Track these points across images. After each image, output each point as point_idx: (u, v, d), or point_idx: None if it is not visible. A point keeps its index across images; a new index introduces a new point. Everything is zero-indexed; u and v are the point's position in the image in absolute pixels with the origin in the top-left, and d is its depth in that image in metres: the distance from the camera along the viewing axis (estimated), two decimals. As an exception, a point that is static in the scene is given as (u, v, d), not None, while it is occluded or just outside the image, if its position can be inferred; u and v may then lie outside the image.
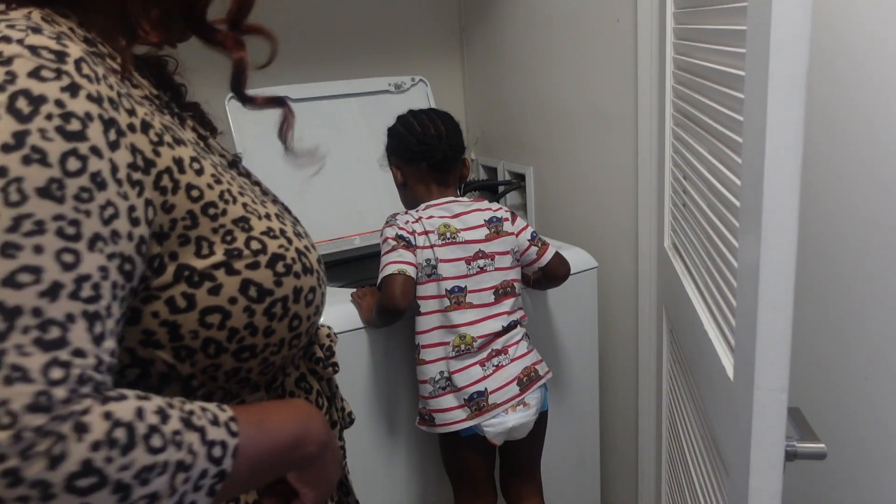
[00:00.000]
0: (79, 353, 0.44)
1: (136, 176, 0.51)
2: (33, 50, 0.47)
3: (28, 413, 0.40)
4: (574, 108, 1.71)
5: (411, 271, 1.28)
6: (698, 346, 1.01)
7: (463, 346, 1.32)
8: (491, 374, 1.32)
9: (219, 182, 0.60)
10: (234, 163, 0.71)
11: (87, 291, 0.45)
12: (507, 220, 1.38)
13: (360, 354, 1.37)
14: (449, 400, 1.32)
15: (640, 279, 1.56)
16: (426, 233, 1.32)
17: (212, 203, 0.58)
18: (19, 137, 0.44)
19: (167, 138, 0.56)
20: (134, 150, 0.52)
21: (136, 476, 0.43)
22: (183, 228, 0.56)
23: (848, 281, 1.13)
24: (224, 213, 0.59)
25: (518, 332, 1.37)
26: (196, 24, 0.62)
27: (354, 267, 1.77)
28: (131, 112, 0.53)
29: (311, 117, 1.76)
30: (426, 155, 1.39)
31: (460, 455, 1.38)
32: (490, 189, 2.00)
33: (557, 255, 1.42)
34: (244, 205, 0.61)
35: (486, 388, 1.31)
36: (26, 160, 0.44)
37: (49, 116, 0.46)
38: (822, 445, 0.79)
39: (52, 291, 0.43)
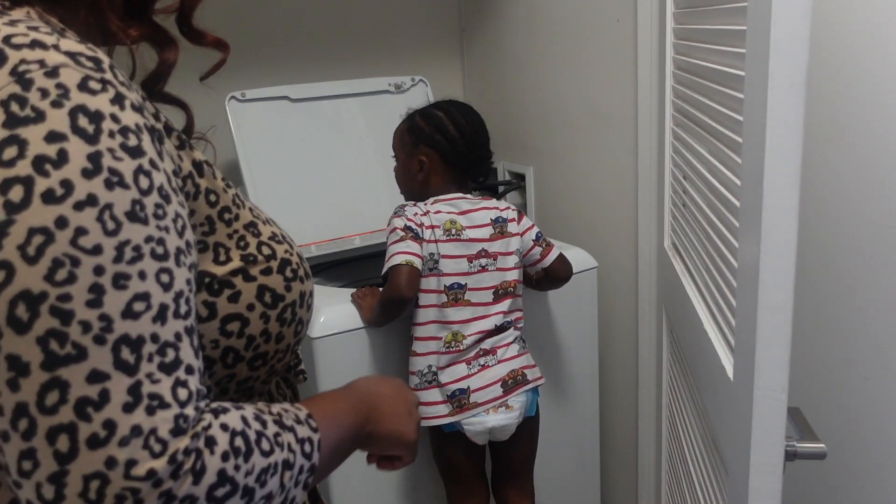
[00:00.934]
0: (189, 369, 0.45)
1: (179, 183, 0.51)
2: (73, 57, 0.44)
3: (174, 438, 0.42)
4: (574, 108, 1.71)
5: (418, 263, 1.27)
6: (698, 346, 1.01)
7: (454, 343, 1.32)
8: (475, 374, 1.32)
9: (229, 186, 0.59)
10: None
11: (183, 307, 0.46)
12: (513, 220, 1.37)
13: (360, 355, 1.37)
14: (433, 394, 1.32)
15: (640, 279, 1.56)
16: (432, 227, 1.32)
17: (226, 208, 0.57)
18: (95, 160, 0.42)
19: (184, 141, 0.55)
20: (171, 155, 0.51)
21: (257, 479, 0.46)
22: (202, 234, 0.55)
23: (848, 281, 1.13)
24: (237, 217, 0.58)
25: (510, 335, 1.37)
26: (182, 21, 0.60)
27: (354, 267, 1.77)
28: (156, 116, 0.52)
29: (311, 117, 1.76)
30: (466, 156, 1.38)
31: (446, 451, 1.39)
32: (490, 189, 2.00)
33: (561, 257, 1.42)
34: (251, 209, 0.61)
35: (468, 387, 1.32)
36: (108, 184, 0.43)
37: (112, 134, 0.44)
38: (822, 445, 0.79)
39: (162, 315, 0.44)
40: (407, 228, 1.30)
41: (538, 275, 1.44)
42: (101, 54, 0.46)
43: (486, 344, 1.34)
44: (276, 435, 0.49)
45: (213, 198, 0.56)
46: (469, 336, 1.32)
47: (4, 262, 0.40)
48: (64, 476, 0.40)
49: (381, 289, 1.39)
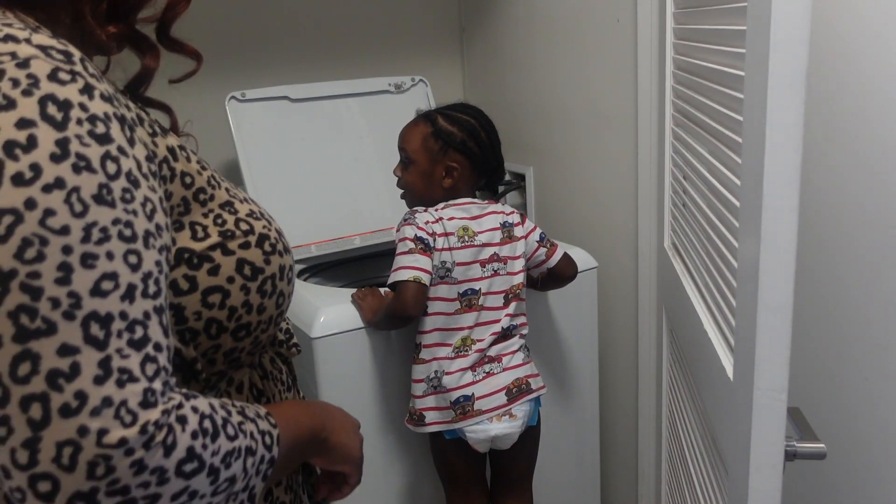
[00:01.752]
0: (158, 346, 0.47)
1: (153, 168, 0.53)
2: (44, 50, 0.46)
3: (143, 409, 0.44)
4: (574, 108, 1.71)
5: (425, 279, 1.25)
6: (698, 346, 1.01)
7: (463, 349, 1.31)
8: (480, 381, 1.31)
9: (205, 168, 0.62)
10: None
11: (152, 287, 0.48)
12: (518, 224, 1.37)
13: (360, 355, 1.37)
14: (437, 400, 1.31)
15: (640, 279, 1.56)
16: (446, 234, 1.30)
17: (202, 189, 0.60)
18: (62, 145, 0.44)
19: (157, 128, 0.58)
20: (143, 143, 0.52)
21: (222, 460, 0.49)
22: (178, 215, 0.58)
23: (848, 281, 1.13)
24: (212, 198, 0.61)
25: (515, 343, 1.36)
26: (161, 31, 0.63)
27: (354, 267, 1.77)
28: (128, 106, 0.54)
29: (311, 117, 1.76)
30: (491, 163, 1.38)
31: (447, 457, 1.38)
32: (490, 189, 2.00)
33: (566, 256, 1.42)
34: (227, 189, 0.64)
35: (472, 394, 1.30)
36: (76, 168, 0.44)
37: (79, 121, 0.46)
38: (821, 445, 0.79)
39: (130, 294, 0.46)
40: (417, 239, 1.27)
41: (542, 275, 1.44)
42: (72, 48, 0.48)
43: (492, 351, 1.33)
44: (241, 423, 0.52)
45: (188, 180, 0.59)
46: (478, 341, 1.31)
47: None
48: (37, 442, 0.42)
49: (381, 289, 1.39)
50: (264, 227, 0.64)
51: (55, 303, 0.43)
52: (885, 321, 1.07)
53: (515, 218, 1.37)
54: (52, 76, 0.45)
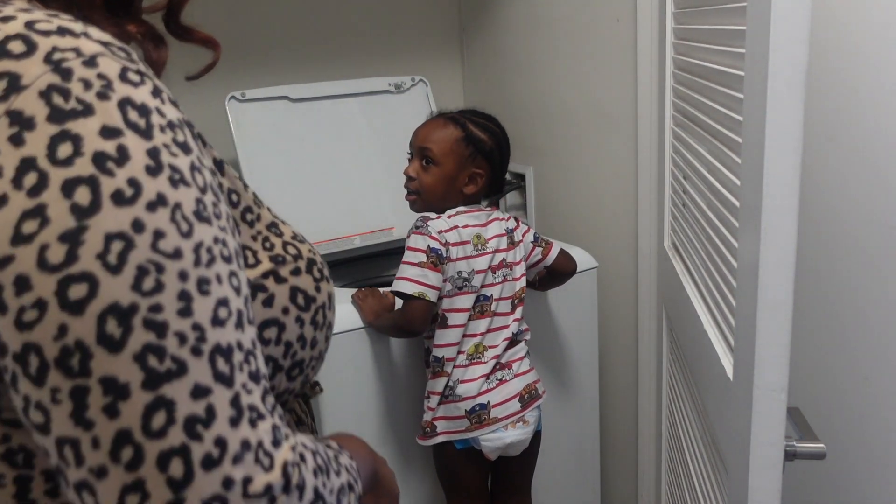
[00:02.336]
0: (265, 377, 0.42)
1: (217, 180, 0.47)
2: (107, 46, 0.40)
3: (276, 449, 0.40)
4: (574, 108, 1.71)
5: (431, 295, 1.23)
6: (698, 346, 1.01)
7: (476, 355, 1.30)
8: (494, 388, 1.30)
9: (246, 185, 0.55)
10: None
11: (250, 312, 0.43)
12: (516, 228, 1.37)
13: (360, 355, 1.37)
14: (447, 409, 1.30)
15: (640, 279, 1.56)
16: (462, 243, 1.27)
17: (248, 208, 0.53)
18: (154, 156, 0.38)
19: (202, 137, 0.52)
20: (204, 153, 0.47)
21: (336, 499, 0.45)
22: None
23: (848, 280, 1.13)
24: (259, 218, 0.54)
25: (522, 349, 1.36)
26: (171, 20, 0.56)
27: (354, 267, 1.77)
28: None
29: (311, 117, 1.76)
30: (503, 180, 1.39)
31: (454, 467, 1.36)
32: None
33: (563, 252, 1.42)
34: (268, 208, 0.57)
35: (488, 402, 1.29)
36: (173, 182, 0.39)
37: (162, 129, 0.40)
38: (821, 445, 0.79)
39: (240, 321, 0.41)
40: (430, 251, 1.23)
41: (540, 274, 1.44)
42: (126, 45, 0.42)
43: (503, 358, 1.33)
44: (336, 459, 0.48)
45: (234, 198, 0.52)
46: (492, 348, 1.31)
47: (85, 274, 0.36)
48: None
49: (381, 290, 1.39)
50: (310, 250, 0.57)
51: (182, 338, 0.37)
52: (885, 321, 1.07)
53: (513, 223, 1.37)
54: (123, 77, 0.39)
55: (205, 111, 1.75)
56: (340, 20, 1.97)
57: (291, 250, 0.55)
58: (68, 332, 0.36)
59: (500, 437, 1.30)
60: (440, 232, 1.25)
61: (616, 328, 1.69)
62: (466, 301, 1.28)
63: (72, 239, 0.36)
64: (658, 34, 1.32)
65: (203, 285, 0.39)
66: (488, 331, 1.31)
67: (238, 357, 0.40)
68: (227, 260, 0.41)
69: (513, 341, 1.34)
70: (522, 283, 1.35)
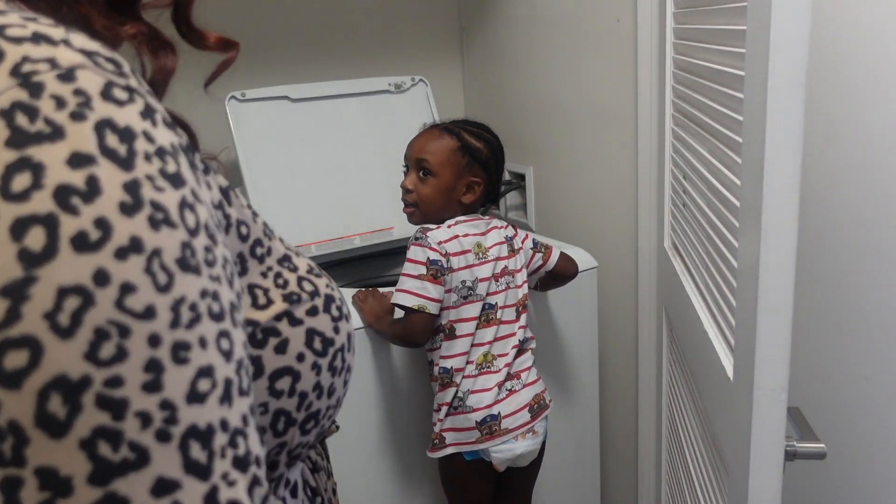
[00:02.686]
0: (258, 461, 0.35)
1: (220, 217, 0.41)
2: (90, 57, 0.33)
3: None
4: (574, 108, 1.71)
5: (432, 308, 1.23)
6: (698, 346, 1.01)
7: (484, 365, 1.29)
8: (504, 399, 1.29)
9: (256, 214, 0.48)
10: None
11: (245, 380, 0.35)
12: (515, 236, 1.37)
13: (360, 355, 1.37)
14: (461, 420, 1.28)
15: (640, 279, 1.56)
16: (463, 252, 1.27)
17: (258, 241, 0.47)
18: (133, 191, 0.31)
19: (207, 163, 0.45)
20: (206, 182, 0.40)
21: None
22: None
23: (848, 281, 1.13)
24: (269, 251, 0.47)
25: (529, 358, 1.36)
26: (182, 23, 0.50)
27: (354, 267, 1.77)
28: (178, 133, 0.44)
29: (311, 117, 1.76)
30: (498, 189, 1.38)
31: (462, 478, 1.34)
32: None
33: (563, 255, 1.41)
34: (281, 239, 0.50)
35: (499, 413, 1.28)
36: (153, 223, 0.32)
37: (148, 157, 0.33)
38: (821, 445, 0.79)
39: (228, 393, 0.34)
40: (430, 263, 1.23)
41: (540, 279, 1.44)
42: (116, 55, 0.35)
43: (512, 368, 1.32)
44: None
45: (243, 230, 0.45)
46: (501, 356, 1.30)
47: (27, 338, 0.29)
48: None
49: (381, 290, 1.39)
50: (328, 286, 0.50)
51: (145, 420, 0.30)
52: (885, 321, 1.07)
53: (511, 230, 1.37)
54: (106, 93, 0.32)
55: (205, 111, 1.75)
56: (340, 20, 1.97)
57: (307, 287, 0.48)
58: (1, 410, 0.29)
59: (511, 449, 1.29)
60: (440, 243, 1.25)
61: (616, 328, 1.70)
62: (473, 310, 1.28)
63: (15, 293, 0.29)
64: (658, 34, 1.32)
65: (180, 351, 0.32)
66: (495, 339, 1.30)
67: (220, 440, 0.32)
68: (217, 318, 0.34)
69: (520, 349, 1.34)
70: (525, 290, 1.35)
